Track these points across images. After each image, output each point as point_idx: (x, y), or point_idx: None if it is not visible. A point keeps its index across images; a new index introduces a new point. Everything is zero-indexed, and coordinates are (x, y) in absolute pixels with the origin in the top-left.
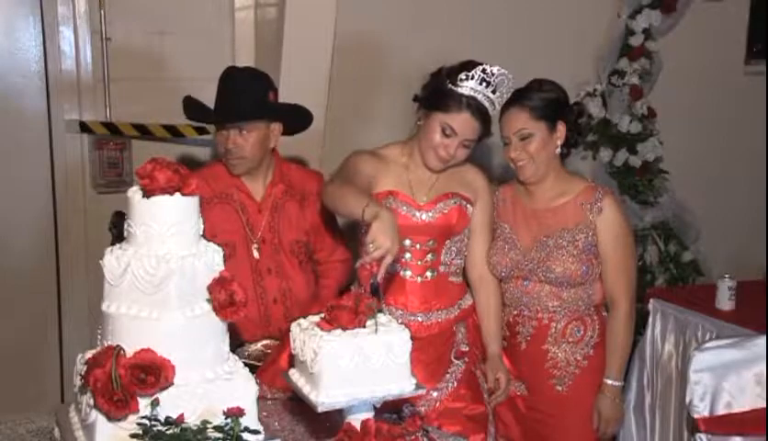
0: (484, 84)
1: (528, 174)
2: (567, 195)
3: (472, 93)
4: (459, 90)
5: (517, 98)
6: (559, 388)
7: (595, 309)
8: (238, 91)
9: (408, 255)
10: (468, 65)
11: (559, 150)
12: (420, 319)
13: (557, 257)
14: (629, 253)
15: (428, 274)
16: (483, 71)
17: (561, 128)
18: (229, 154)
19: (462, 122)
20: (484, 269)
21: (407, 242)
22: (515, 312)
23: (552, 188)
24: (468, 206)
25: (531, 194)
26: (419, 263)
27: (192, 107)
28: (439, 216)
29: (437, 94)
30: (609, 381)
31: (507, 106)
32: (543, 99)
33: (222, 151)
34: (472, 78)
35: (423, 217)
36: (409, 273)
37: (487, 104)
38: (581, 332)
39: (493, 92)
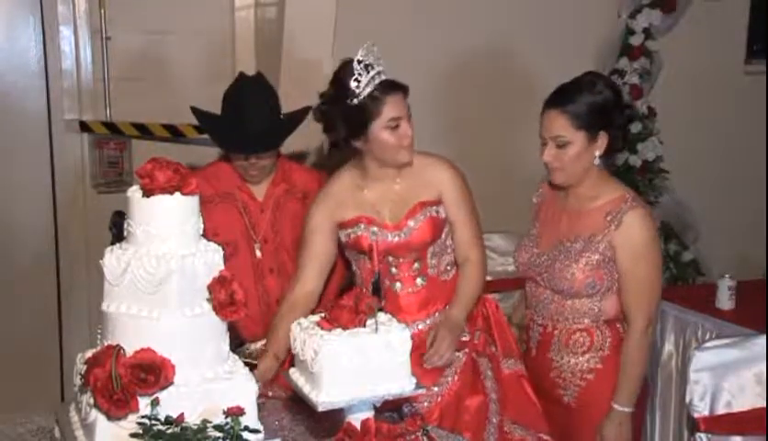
0: (369, 68)
1: (560, 180)
2: (597, 200)
3: (373, 82)
4: (366, 92)
5: (561, 100)
6: (566, 398)
7: (606, 322)
8: (255, 118)
9: (394, 270)
10: (343, 76)
11: (597, 161)
12: (420, 327)
13: (562, 265)
14: (649, 271)
15: (419, 281)
16: (358, 62)
17: (603, 138)
18: (250, 168)
19: (394, 106)
20: (471, 250)
21: (390, 258)
22: (530, 315)
23: (587, 192)
24: (440, 210)
25: (567, 193)
26: (407, 274)
27: (221, 135)
28: (412, 233)
29: (357, 117)
30: (616, 405)
31: (549, 104)
32: (588, 105)
33: (239, 165)
34: (360, 75)
35: (396, 239)
36: (399, 285)
37: (384, 76)
38: (588, 343)
39: (379, 63)
